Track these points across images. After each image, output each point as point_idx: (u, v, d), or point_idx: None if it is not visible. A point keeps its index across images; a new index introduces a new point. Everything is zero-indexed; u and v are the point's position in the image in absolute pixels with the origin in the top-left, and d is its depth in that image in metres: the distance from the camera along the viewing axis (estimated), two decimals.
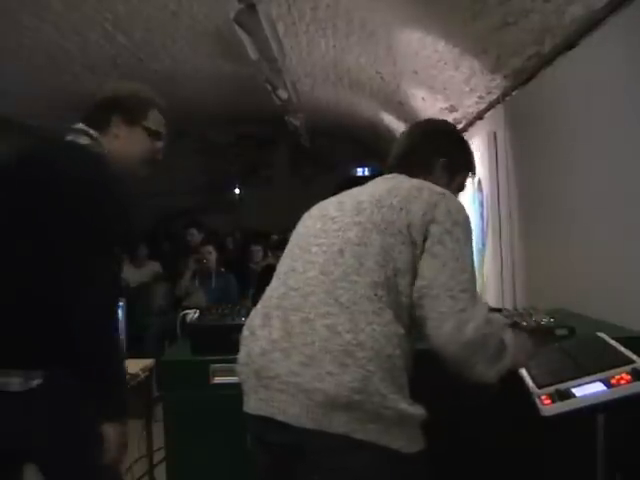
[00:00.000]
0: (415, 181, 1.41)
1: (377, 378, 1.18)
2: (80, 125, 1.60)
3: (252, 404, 1.29)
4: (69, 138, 1.58)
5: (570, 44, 2.44)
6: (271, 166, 9.88)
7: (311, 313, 1.24)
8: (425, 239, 1.26)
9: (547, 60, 2.71)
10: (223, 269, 5.08)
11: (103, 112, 1.62)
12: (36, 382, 1.36)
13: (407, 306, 1.26)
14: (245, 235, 8.26)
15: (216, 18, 4.01)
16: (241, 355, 1.36)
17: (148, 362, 2.59)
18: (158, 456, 2.57)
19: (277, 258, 5.50)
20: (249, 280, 5.73)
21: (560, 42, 2.53)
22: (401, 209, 1.28)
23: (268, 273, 5.22)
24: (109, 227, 1.45)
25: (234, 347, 1.94)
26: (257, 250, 6.29)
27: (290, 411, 1.20)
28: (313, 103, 6.36)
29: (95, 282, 1.40)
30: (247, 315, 2.04)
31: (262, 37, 3.47)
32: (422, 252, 1.26)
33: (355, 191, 1.46)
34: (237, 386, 1.89)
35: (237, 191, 10.02)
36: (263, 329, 1.30)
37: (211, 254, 4.88)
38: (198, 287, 4.83)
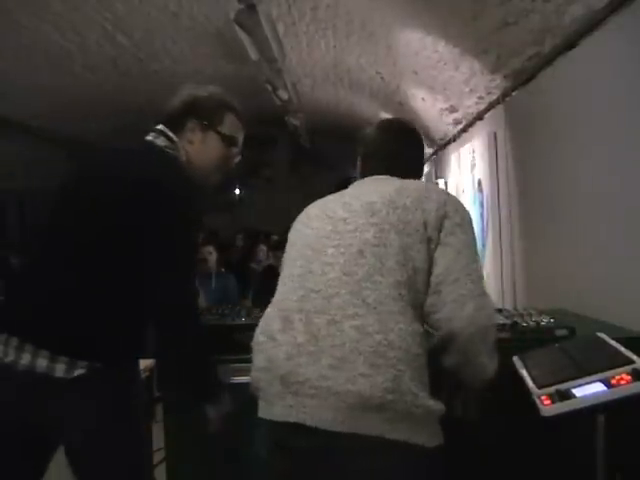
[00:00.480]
0: (419, 182, 1.46)
1: (407, 377, 1.19)
2: (161, 126, 1.61)
3: (278, 411, 1.25)
4: (149, 138, 1.60)
5: (570, 44, 2.44)
6: (271, 166, 9.89)
7: (337, 315, 1.24)
8: (439, 233, 1.29)
9: (547, 60, 2.71)
10: (223, 269, 5.08)
11: (179, 116, 1.61)
12: (78, 372, 1.38)
13: (422, 304, 1.28)
14: (249, 235, 8.27)
15: (216, 18, 4.01)
16: (258, 361, 1.32)
17: (148, 362, 2.58)
18: (158, 456, 2.56)
19: (277, 259, 5.52)
20: (249, 280, 5.73)
21: (560, 42, 2.53)
22: (416, 209, 1.31)
23: (269, 273, 5.21)
24: (185, 226, 1.47)
25: (234, 347, 1.95)
26: (262, 250, 6.30)
27: (322, 416, 1.19)
28: (313, 103, 6.36)
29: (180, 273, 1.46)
30: (247, 315, 2.07)
31: (262, 37, 3.47)
32: (437, 245, 1.29)
33: (355, 192, 1.46)
34: (237, 386, 1.90)
35: (237, 191, 10.02)
36: (284, 333, 1.28)
37: (211, 254, 4.87)
38: (198, 287, 4.83)
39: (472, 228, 1.37)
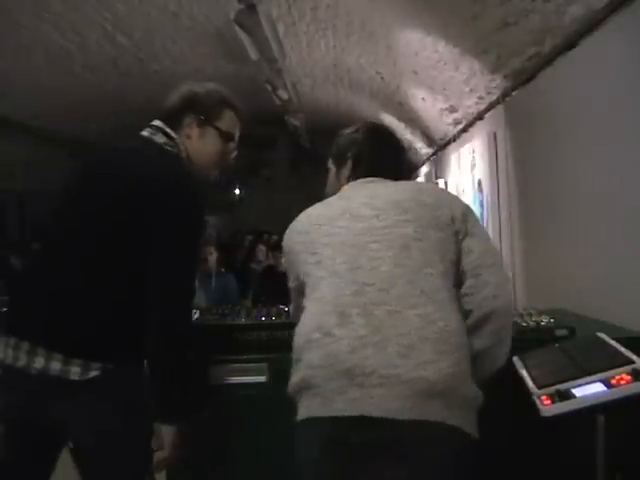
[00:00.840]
0: (429, 184, 1.57)
1: (465, 363, 1.27)
2: (158, 122, 1.60)
3: (339, 405, 1.24)
4: (145, 134, 1.58)
5: (570, 44, 2.44)
6: (271, 166, 9.89)
7: (397, 305, 1.27)
8: (466, 225, 1.40)
9: (547, 60, 2.71)
10: (223, 269, 5.08)
11: (178, 112, 1.61)
12: (92, 374, 1.37)
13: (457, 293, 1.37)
14: (254, 235, 8.26)
15: (216, 18, 4.01)
16: (315, 358, 1.29)
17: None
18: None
19: (277, 259, 5.49)
20: (249, 280, 5.73)
21: (560, 42, 2.53)
22: (439, 206, 1.41)
23: (269, 273, 5.21)
24: (189, 223, 1.48)
25: (234, 347, 1.95)
26: (261, 250, 6.31)
27: (389, 405, 1.20)
28: (313, 103, 6.36)
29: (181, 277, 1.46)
30: (247, 315, 2.07)
31: (262, 37, 3.47)
32: (464, 236, 1.38)
33: (362, 193, 1.48)
34: (237, 386, 1.90)
35: (237, 191, 10.02)
36: (342, 328, 1.28)
37: (212, 254, 4.87)
38: (198, 287, 4.82)
39: None
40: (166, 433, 1.45)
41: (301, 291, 1.46)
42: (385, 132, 1.71)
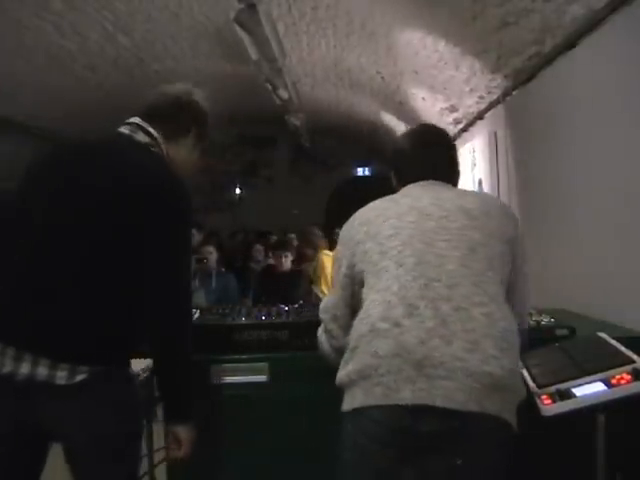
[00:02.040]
0: (491, 195, 1.70)
1: (519, 362, 1.38)
2: (137, 119, 1.57)
3: (406, 395, 1.26)
4: (125, 132, 1.55)
5: (570, 44, 2.44)
6: (271, 166, 9.87)
7: (463, 302, 1.32)
8: (519, 247, 1.48)
9: (547, 60, 2.71)
10: (223, 269, 5.08)
11: (174, 114, 1.60)
12: (79, 377, 1.36)
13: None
14: (248, 234, 8.26)
15: (217, 18, 4.01)
16: (383, 347, 1.30)
17: (149, 362, 2.58)
18: (158, 456, 2.56)
19: (277, 258, 5.45)
20: (249, 280, 5.72)
21: (560, 42, 2.53)
22: (505, 222, 1.47)
23: (269, 273, 5.19)
24: (179, 223, 1.48)
25: (234, 347, 1.95)
26: (258, 250, 6.29)
27: (454, 396, 1.24)
28: (313, 103, 6.36)
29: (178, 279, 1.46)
30: (247, 315, 2.07)
31: (262, 37, 3.47)
32: (515, 257, 1.46)
33: (435, 194, 1.51)
34: (237, 386, 1.90)
35: (237, 191, 10.01)
36: (411, 318, 1.30)
37: (212, 254, 4.87)
38: (198, 287, 4.82)
39: None
40: (181, 432, 1.49)
41: (356, 280, 1.46)
42: (437, 133, 1.76)
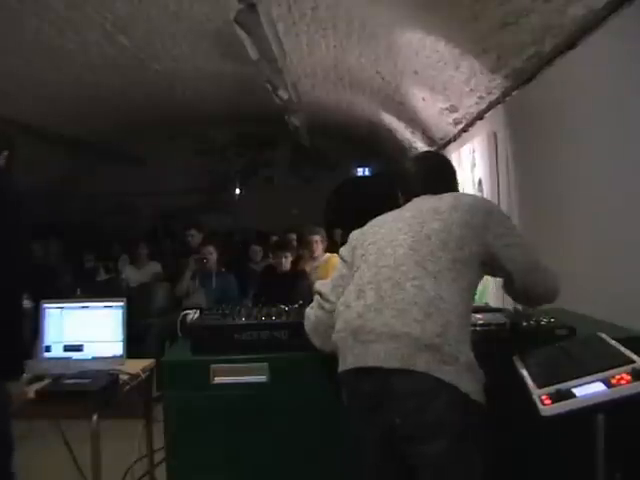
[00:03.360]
0: (467, 194, 1.93)
1: (454, 327, 1.47)
2: None
3: (349, 360, 1.53)
4: None
5: (570, 44, 2.44)
6: (271, 166, 9.88)
7: (401, 279, 1.54)
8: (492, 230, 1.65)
9: (547, 60, 2.71)
10: (223, 269, 5.08)
11: None
12: None
13: (476, 278, 1.62)
14: (245, 235, 8.26)
15: (216, 18, 4.01)
16: (338, 325, 1.61)
17: (148, 362, 2.58)
18: (158, 456, 2.56)
19: (277, 258, 5.44)
20: (249, 280, 5.72)
21: (560, 42, 2.53)
22: (474, 213, 1.64)
23: (269, 273, 5.17)
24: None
25: (234, 347, 1.95)
26: (255, 250, 6.29)
27: (380, 355, 1.45)
28: (313, 103, 6.36)
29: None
30: (247, 315, 2.07)
31: (262, 37, 3.47)
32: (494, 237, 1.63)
33: (414, 205, 1.77)
34: (237, 386, 1.90)
35: (237, 191, 10.01)
36: (358, 300, 1.58)
37: (212, 254, 4.87)
38: (198, 287, 4.82)
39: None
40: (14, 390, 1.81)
41: (347, 278, 1.72)
42: (432, 157, 2.10)
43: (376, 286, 1.57)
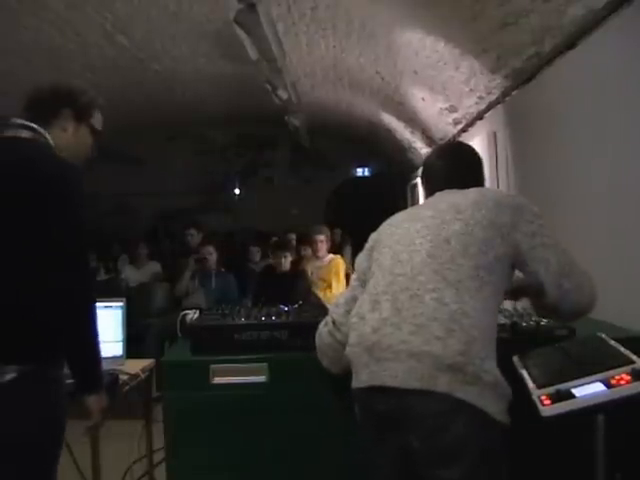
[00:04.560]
0: (492, 189, 1.77)
1: (479, 343, 1.35)
2: (17, 120, 1.62)
3: (363, 378, 1.43)
4: (9, 134, 1.58)
5: (570, 44, 2.44)
6: (271, 166, 9.87)
7: (420, 290, 1.42)
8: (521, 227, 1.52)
9: (547, 60, 2.71)
10: (223, 269, 5.08)
11: (52, 105, 1.66)
12: (9, 377, 1.39)
13: (502, 286, 1.49)
14: (245, 236, 8.25)
15: (216, 18, 4.01)
16: (352, 339, 1.50)
17: (148, 362, 2.58)
18: (158, 456, 2.56)
19: (277, 258, 5.45)
20: (249, 280, 5.72)
21: (560, 42, 2.53)
22: (498, 212, 1.51)
23: (268, 273, 5.16)
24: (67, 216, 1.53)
25: (234, 347, 1.95)
26: (253, 251, 6.29)
27: (398, 375, 1.35)
28: (313, 103, 6.36)
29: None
30: (247, 316, 2.07)
31: (262, 37, 3.47)
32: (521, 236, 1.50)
33: (434, 200, 1.66)
34: (237, 386, 1.90)
35: (237, 191, 10.01)
36: (373, 312, 1.46)
37: (212, 254, 4.87)
38: (198, 287, 4.82)
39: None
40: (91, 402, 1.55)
41: (362, 283, 1.63)
42: (455, 149, 1.94)
43: (392, 297, 1.45)
